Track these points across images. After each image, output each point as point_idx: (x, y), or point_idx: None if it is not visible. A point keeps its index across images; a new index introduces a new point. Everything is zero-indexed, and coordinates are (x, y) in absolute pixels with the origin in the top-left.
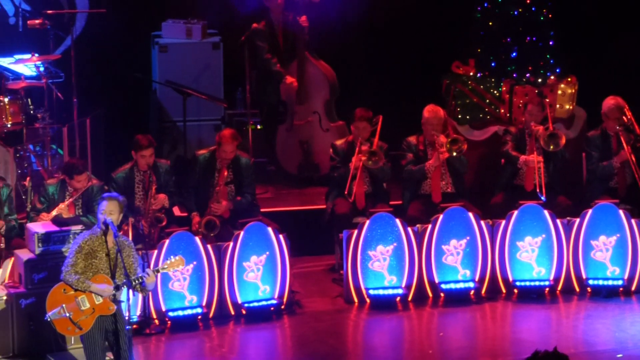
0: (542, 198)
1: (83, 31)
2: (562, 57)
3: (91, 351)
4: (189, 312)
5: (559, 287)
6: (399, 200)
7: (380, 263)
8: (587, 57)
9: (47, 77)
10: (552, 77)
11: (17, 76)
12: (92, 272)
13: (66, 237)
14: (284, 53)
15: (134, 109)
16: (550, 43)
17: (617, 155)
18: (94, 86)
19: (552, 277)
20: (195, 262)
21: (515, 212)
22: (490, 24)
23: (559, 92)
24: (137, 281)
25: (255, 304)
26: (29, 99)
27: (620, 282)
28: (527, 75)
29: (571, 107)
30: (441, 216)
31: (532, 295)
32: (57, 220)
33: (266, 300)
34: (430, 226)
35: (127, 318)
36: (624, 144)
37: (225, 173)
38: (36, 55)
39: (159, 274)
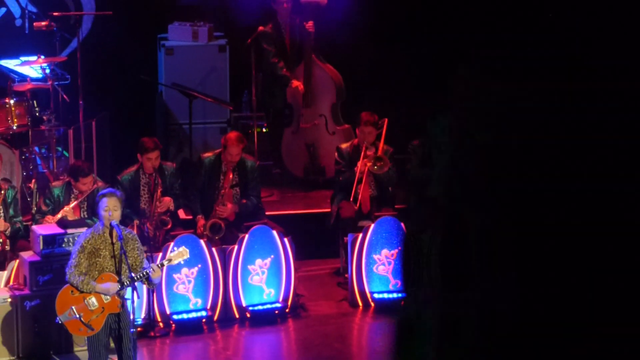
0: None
1: (89, 33)
2: None
3: (95, 349)
4: (193, 315)
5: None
6: (404, 204)
7: (385, 267)
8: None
9: (53, 79)
10: None
11: (23, 78)
12: (97, 270)
13: (71, 239)
14: (291, 56)
15: (140, 111)
16: None
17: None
18: (99, 88)
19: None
20: (200, 265)
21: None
22: None
23: None
24: (142, 274)
25: (260, 307)
26: (34, 101)
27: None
28: None
29: None
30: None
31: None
32: (62, 223)
33: (271, 303)
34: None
35: (132, 320)
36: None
37: (231, 176)
38: (42, 57)
39: (164, 268)
